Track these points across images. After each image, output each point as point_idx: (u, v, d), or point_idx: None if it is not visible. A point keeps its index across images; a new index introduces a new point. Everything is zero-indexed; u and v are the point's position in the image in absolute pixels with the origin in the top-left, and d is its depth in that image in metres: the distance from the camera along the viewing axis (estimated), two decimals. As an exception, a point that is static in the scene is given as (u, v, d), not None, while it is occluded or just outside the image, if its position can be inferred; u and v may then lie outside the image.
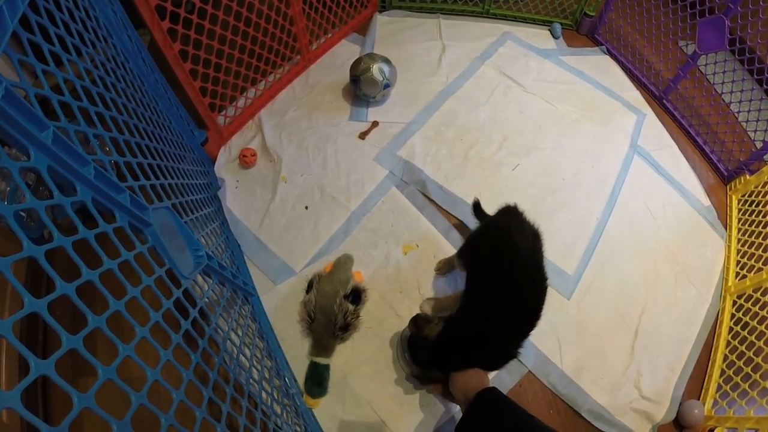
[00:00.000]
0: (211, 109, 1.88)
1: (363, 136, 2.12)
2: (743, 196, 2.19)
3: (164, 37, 1.52)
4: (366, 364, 1.55)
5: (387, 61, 2.13)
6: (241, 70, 1.96)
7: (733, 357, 1.64)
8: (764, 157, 2.16)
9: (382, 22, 2.72)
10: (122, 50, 1.23)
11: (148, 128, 1.21)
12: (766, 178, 2.07)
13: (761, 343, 1.55)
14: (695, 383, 1.69)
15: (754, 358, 1.54)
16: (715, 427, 1.49)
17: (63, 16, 0.88)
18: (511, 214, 1.49)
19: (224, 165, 1.98)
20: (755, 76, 2.24)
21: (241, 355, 1.18)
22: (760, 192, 2.07)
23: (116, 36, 1.22)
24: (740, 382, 1.54)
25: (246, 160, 1.94)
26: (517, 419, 1.10)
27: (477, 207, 1.73)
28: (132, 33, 1.41)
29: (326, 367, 1.48)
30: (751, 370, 1.53)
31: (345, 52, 2.53)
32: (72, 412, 0.51)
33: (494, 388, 1.20)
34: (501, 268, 1.31)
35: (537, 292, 1.29)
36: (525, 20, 2.93)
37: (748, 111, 2.29)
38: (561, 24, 2.92)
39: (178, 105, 1.68)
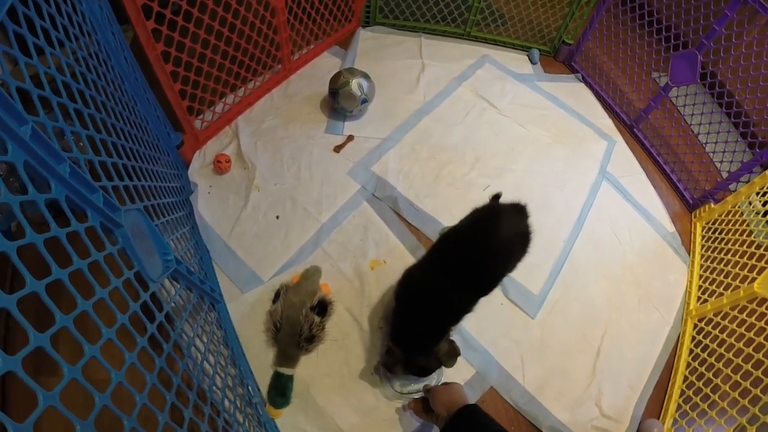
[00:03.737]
0: (189, 112, 1.87)
1: (338, 149, 2.13)
2: (707, 223, 2.27)
3: (148, 37, 1.51)
4: (330, 376, 1.54)
5: (366, 76, 2.15)
6: (221, 75, 1.96)
7: (693, 378, 1.69)
8: (729, 186, 2.24)
9: (365, 37, 2.74)
10: (105, 47, 1.23)
11: (125, 128, 1.20)
12: (729, 207, 2.15)
13: (720, 365, 1.60)
14: (655, 403, 1.74)
15: (714, 379, 1.59)
16: (675, 446, 1.54)
17: (50, 9, 0.88)
18: (517, 209, 1.56)
19: (198, 169, 1.96)
20: (724, 109, 2.33)
21: (205, 361, 1.18)
22: (723, 220, 2.16)
23: (100, 32, 1.21)
24: (699, 402, 1.59)
25: (220, 165, 1.93)
26: None
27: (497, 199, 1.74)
28: (116, 30, 1.40)
29: (290, 378, 1.47)
30: (711, 391, 1.57)
31: (326, 64, 2.54)
32: (37, 410, 0.50)
33: (476, 405, 1.24)
34: (472, 241, 1.43)
35: (492, 276, 1.45)
36: (504, 44, 3.00)
37: (716, 142, 2.39)
38: (539, 50, 2.99)
39: (156, 106, 1.66)
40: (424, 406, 1.40)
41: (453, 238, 1.51)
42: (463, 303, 1.42)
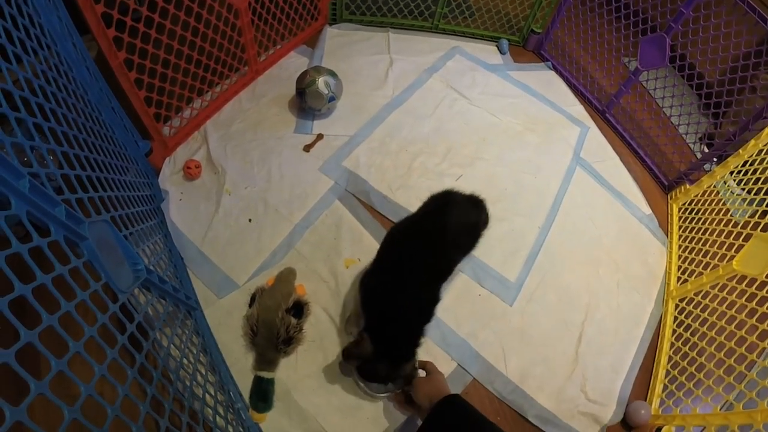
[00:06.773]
0: (156, 119, 1.84)
1: (307, 148, 2.12)
2: (684, 204, 2.31)
3: (109, 46, 1.49)
4: (310, 377, 1.54)
5: (333, 74, 2.15)
6: (187, 81, 1.94)
7: (677, 358, 1.72)
8: (704, 167, 2.29)
9: (332, 34, 2.74)
10: (66, 58, 1.21)
11: (89, 139, 1.18)
12: (705, 187, 2.19)
13: (704, 344, 1.63)
14: (641, 385, 1.76)
15: (698, 358, 1.62)
16: (663, 426, 1.55)
17: (5, 24, 0.87)
18: (474, 201, 1.61)
19: (168, 177, 1.94)
20: (695, 90, 2.37)
21: (182, 369, 1.17)
22: (699, 200, 2.19)
23: (60, 44, 1.19)
24: (685, 382, 1.61)
25: (190, 171, 1.92)
26: (479, 425, 1.15)
27: None
28: (77, 40, 1.37)
29: (271, 381, 1.47)
30: (695, 370, 1.60)
31: (293, 64, 2.53)
32: (3, 427, 0.50)
33: (458, 395, 1.25)
34: (423, 225, 1.48)
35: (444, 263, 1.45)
36: (473, 36, 3.02)
37: (688, 124, 2.44)
38: (508, 40, 3.02)
39: (122, 115, 1.64)
40: (406, 398, 1.40)
41: (400, 231, 1.53)
42: (429, 295, 1.40)
